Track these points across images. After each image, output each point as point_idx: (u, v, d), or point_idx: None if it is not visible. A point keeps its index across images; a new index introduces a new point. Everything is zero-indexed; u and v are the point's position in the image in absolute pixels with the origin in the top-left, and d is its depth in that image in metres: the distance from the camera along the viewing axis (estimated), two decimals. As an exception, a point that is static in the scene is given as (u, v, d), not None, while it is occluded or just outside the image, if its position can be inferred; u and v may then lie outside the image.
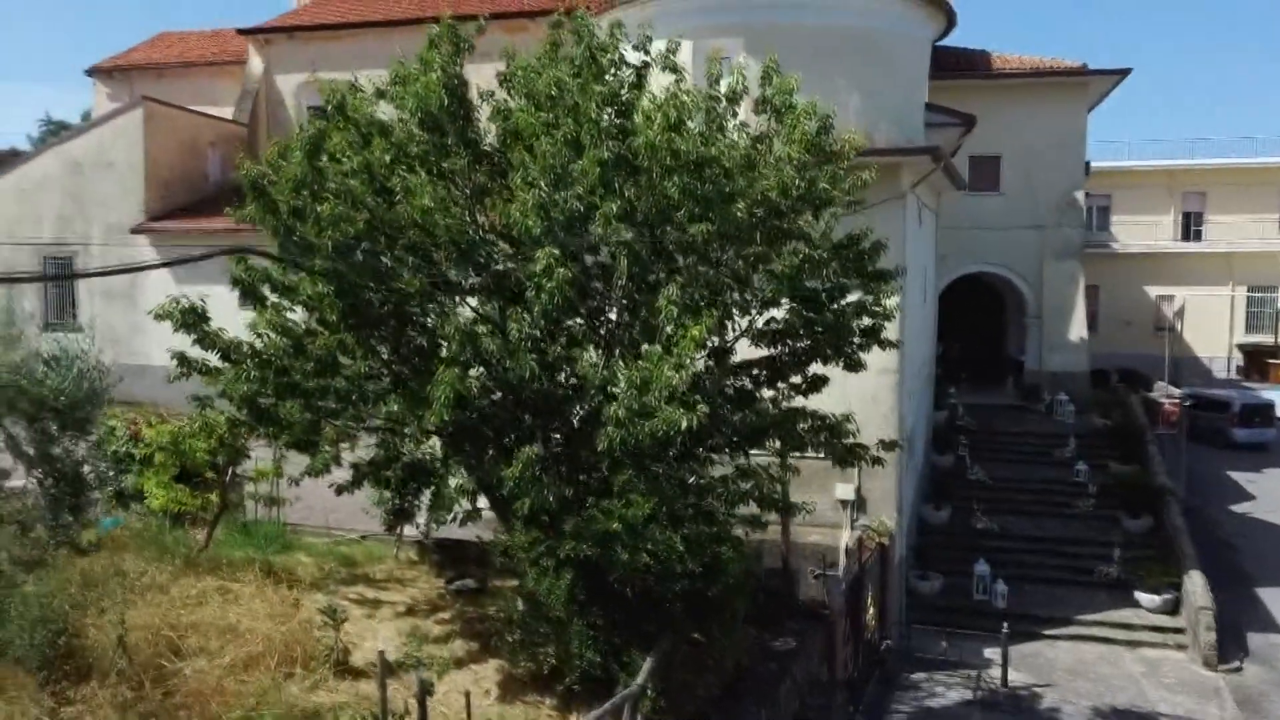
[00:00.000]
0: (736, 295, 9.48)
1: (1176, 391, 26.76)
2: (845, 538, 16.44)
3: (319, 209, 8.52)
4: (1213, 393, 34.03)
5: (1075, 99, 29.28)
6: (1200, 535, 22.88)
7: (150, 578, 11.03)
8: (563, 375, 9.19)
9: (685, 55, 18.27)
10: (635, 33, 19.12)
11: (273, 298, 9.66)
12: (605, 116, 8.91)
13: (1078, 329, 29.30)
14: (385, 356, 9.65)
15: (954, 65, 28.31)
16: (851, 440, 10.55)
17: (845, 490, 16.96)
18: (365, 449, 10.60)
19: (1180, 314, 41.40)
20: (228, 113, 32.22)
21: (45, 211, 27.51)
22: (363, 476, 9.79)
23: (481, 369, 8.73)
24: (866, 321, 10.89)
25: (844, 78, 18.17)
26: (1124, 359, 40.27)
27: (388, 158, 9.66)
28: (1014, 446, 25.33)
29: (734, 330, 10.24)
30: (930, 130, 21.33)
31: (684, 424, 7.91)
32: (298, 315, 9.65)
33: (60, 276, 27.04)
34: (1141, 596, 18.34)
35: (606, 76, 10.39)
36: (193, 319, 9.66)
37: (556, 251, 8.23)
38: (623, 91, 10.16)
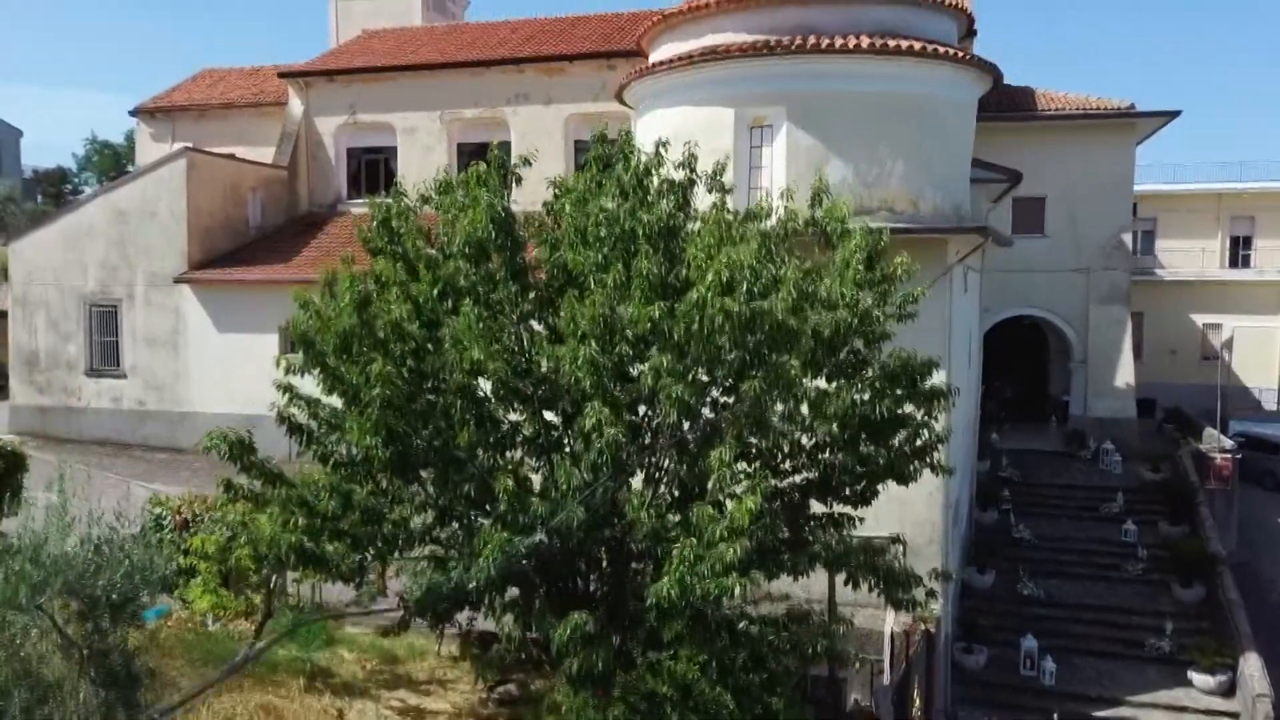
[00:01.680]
0: (788, 430, 9.30)
1: (1228, 444, 26.11)
2: (890, 621, 16.15)
3: (370, 368, 8.45)
4: (1263, 432, 33.28)
5: (1123, 138, 28.72)
6: (1252, 598, 22.31)
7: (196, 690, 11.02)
8: (609, 517, 9.05)
9: (728, 123, 18.32)
10: (679, 98, 19.03)
11: (318, 431, 9.60)
12: (654, 263, 8.70)
13: (1124, 375, 28.73)
14: (431, 491, 9.58)
15: (998, 105, 27.83)
16: (901, 570, 10.31)
17: (890, 570, 16.66)
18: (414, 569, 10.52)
19: (1228, 345, 40.48)
20: (268, 151, 32.54)
21: (90, 259, 27.90)
22: (410, 618, 9.71)
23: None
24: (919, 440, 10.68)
25: (889, 145, 17.90)
26: (1169, 389, 39.51)
27: (435, 291, 9.61)
28: (1059, 500, 24.87)
29: (783, 456, 10.08)
30: (975, 185, 20.98)
31: (737, 590, 7.80)
32: (343, 448, 9.57)
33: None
34: (1195, 676, 17.88)
35: (650, 197, 10.28)
36: (239, 451, 9.63)
37: (606, 411, 8.10)
38: (671, 216, 10.02)
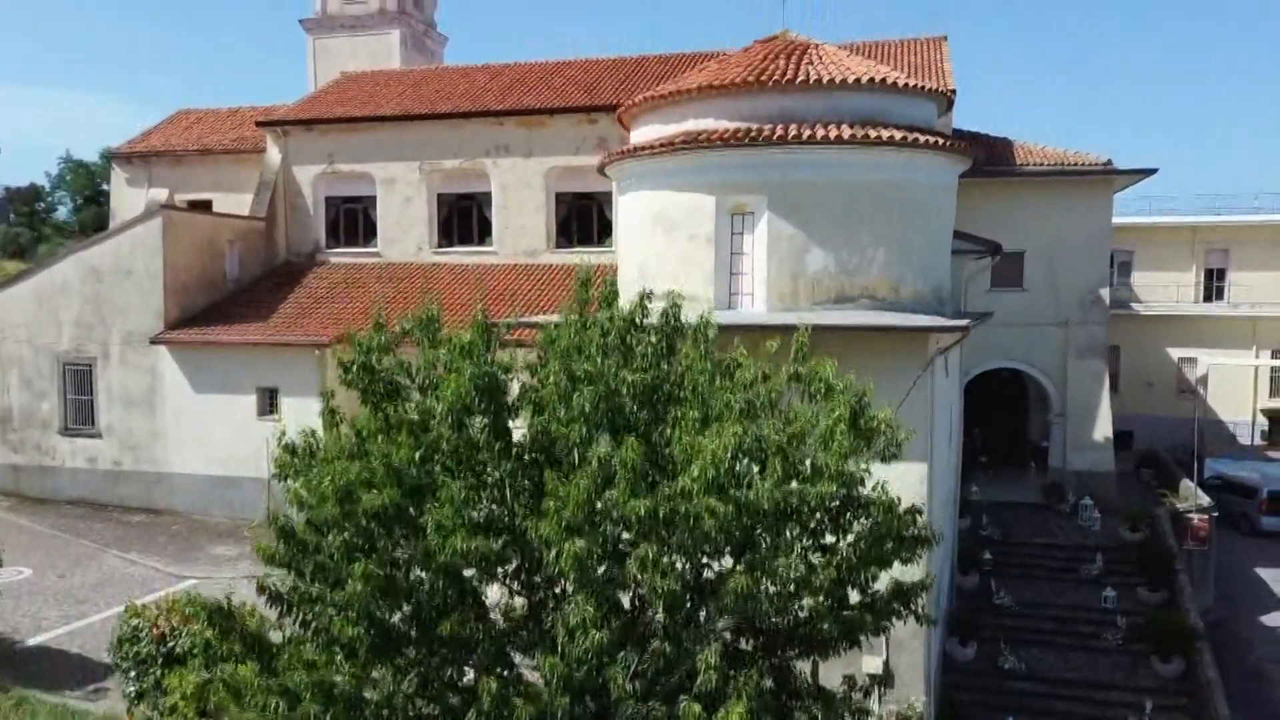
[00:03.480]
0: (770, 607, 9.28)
1: (1205, 500, 26.36)
2: None
3: (353, 567, 8.37)
4: (1239, 476, 33.62)
5: (1100, 194, 28.98)
6: (1230, 660, 22.55)
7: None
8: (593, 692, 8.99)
9: (708, 210, 18.29)
10: (660, 181, 18.98)
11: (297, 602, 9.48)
12: (638, 450, 8.62)
13: (1103, 428, 28.93)
14: (412, 658, 9.49)
15: (977, 160, 27.93)
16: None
17: (873, 664, 16.71)
18: None
19: (1204, 381, 40.92)
20: (245, 198, 32.31)
21: (64, 317, 27.61)
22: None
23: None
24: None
25: (870, 232, 17.90)
26: (1146, 421, 40.10)
27: (417, 455, 9.53)
28: (1039, 560, 25.02)
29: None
30: (956, 257, 21.04)
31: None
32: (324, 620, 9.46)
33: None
34: (1175, 762, 18.06)
35: (636, 348, 10.24)
36: (219, 618, 9.50)
37: (591, 610, 8.06)
38: (657, 368, 9.99)
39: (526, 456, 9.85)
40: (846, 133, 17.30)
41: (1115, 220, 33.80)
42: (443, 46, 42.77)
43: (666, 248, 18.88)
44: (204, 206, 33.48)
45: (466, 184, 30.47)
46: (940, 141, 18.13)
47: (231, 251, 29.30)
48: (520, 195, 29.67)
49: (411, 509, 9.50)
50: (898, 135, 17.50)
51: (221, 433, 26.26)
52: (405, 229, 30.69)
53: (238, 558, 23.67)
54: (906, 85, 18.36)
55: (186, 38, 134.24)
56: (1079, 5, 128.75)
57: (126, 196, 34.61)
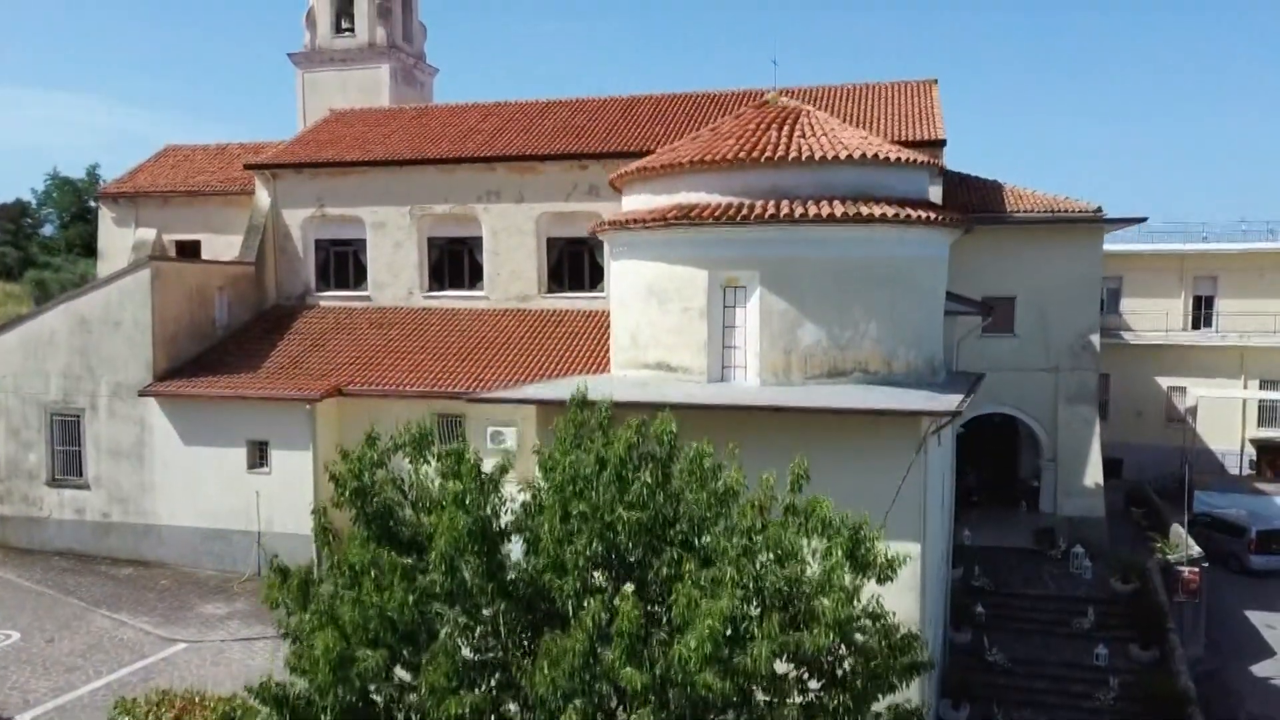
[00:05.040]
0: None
1: (1196, 551, 26.43)
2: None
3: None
4: (1228, 514, 33.69)
5: (1090, 240, 29.05)
6: (1220, 717, 22.59)
7: None
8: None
9: (701, 283, 18.27)
10: (652, 253, 18.93)
11: None
12: (635, 614, 8.57)
13: (1093, 474, 28.98)
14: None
15: (967, 206, 28.00)
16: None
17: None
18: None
19: (1193, 412, 41.08)
20: (234, 239, 32.15)
21: (52, 367, 27.37)
22: None
23: None
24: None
25: (862, 307, 17.94)
26: (1136, 450, 40.35)
27: (411, 598, 9.46)
28: (1031, 614, 24.99)
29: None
30: (947, 318, 21.07)
31: None
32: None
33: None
34: (1168, 835, 18.10)
35: (630, 477, 10.18)
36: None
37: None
38: (654, 501, 9.94)
39: (521, 593, 9.79)
40: (839, 210, 17.32)
41: (1104, 248, 33.90)
42: (432, 78, 42.60)
43: (659, 318, 18.87)
44: (192, 247, 33.36)
45: (457, 228, 30.36)
46: (932, 217, 18.14)
47: (221, 298, 29.11)
48: (512, 240, 29.59)
49: (406, 651, 9.47)
50: (889, 212, 17.53)
51: (211, 485, 26.11)
52: (396, 273, 30.58)
53: (227, 616, 23.54)
54: (899, 159, 18.37)
55: (177, 42, 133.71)
56: (1070, 25, 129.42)
57: (114, 236, 34.40)
